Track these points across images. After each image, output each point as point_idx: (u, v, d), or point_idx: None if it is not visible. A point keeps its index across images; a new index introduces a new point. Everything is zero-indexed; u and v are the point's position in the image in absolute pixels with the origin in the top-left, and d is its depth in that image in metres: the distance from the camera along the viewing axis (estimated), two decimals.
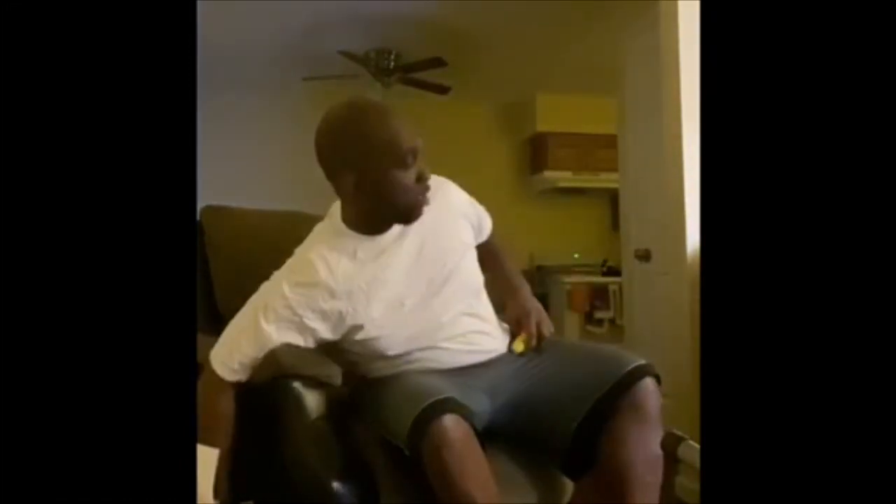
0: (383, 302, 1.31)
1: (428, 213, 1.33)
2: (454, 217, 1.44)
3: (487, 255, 1.53)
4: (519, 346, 1.38)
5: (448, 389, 1.20)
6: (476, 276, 1.45)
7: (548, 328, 1.39)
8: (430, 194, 1.31)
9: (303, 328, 1.29)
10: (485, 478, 1.14)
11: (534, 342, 1.38)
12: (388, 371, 1.36)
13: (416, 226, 1.34)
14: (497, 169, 5.42)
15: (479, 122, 5.37)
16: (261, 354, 1.27)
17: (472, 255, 1.46)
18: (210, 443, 1.20)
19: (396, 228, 1.34)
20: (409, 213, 1.30)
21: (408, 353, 1.35)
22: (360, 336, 1.32)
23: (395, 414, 1.21)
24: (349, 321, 1.30)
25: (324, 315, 1.29)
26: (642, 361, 1.28)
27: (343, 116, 1.28)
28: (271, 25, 3.98)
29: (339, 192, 1.32)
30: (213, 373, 1.28)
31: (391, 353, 1.33)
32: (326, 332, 1.31)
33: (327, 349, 1.36)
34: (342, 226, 1.35)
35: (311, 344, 1.31)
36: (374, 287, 1.31)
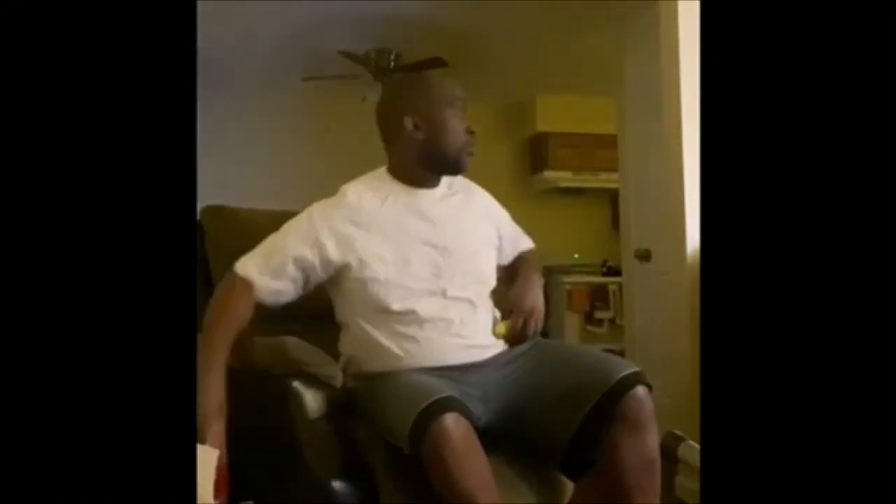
0: (393, 248, 1.36)
1: (460, 199, 1.47)
2: (481, 214, 1.52)
3: (518, 261, 1.59)
4: (500, 330, 1.40)
5: (447, 388, 1.20)
6: (488, 273, 1.48)
7: (534, 326, 1.41)
8: (464, 187, 1.50)
9: (314, 242, 1.36)
10: (485, 476, 1.14)
11: (514, 335, 1.39)
12: (384, 364, 1.36)
13: (447, 203, 1.45)
14: (497, 169, 5.41)
15: (479, 122, 5.30)
16: (272, 260, 1.35)
17: (491, 255, 1.51)
18: (209, 340, 1.22)
19: (433, 195, 1.45)
20: (456, 158, 1.42)
21: (402, 321, 1.35)
22: (363, 272, 1.35)
23: (394, 413, 1.21)
24: (358, 249, 1.36)
25: (338, 236, 1.36)
26: (632, 369, 1.27)
27: (406, 77, 1.64)
28: (271, 25, 3.98)
29: (398, 138, 1.44)
30: (232, 277, 1.36)
31: (393, 305, 1.34)
32: (334, 253, 1.36)
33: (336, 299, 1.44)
34: (385, 174, 1.47)
35: (316, 261, 1.35)
36: (391, 230, 1.38)
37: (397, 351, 1.35)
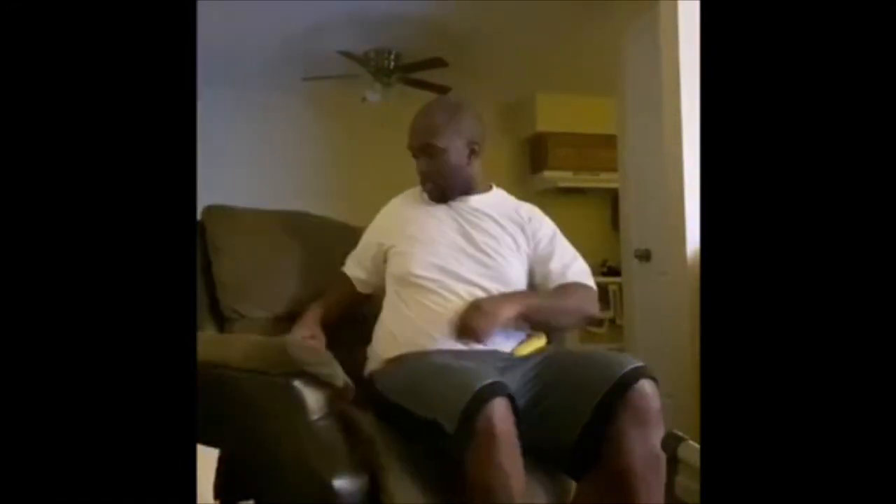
0: (424, 229, 1.57)
1: (499, 209, 1.60)
2: (517, 226, 1.60)
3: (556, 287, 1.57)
4: (522, 350, 1.47)
5: (494, 374, 1.24)
6: (510, 276, 1.52)
7: (468, 326, 1.40)
8: (510, 202, 1.65)
9: (376, 228, 1.69)
10: (520, 466, 1.18)
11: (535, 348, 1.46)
12: (403, 332, 1.46)
13: (486, 209, 1.60)
14: (497, 169, 5.40)
15: None
16: (354, 254, 1.71)
17: (517, 263, 1.56)
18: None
19: (476, 200, 1.62)
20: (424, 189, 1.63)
21: (420, 288, 1.49)
22: (397, 248, 1.58)
23: (441, 393, 1.22)
24: (397, 230, 1.60)
25: (389, 222, 1.67)
26: (637, 364, 1.28)
27: None
28: (271, 25, 3.98)
29: None
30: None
31: (413, 270, 1.51)
32: (385, 237, 1.63)
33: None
34: None
35: (376, 245, 1.64)
36: (427, 217, 1.59)
37: (415, 318, 1.46)
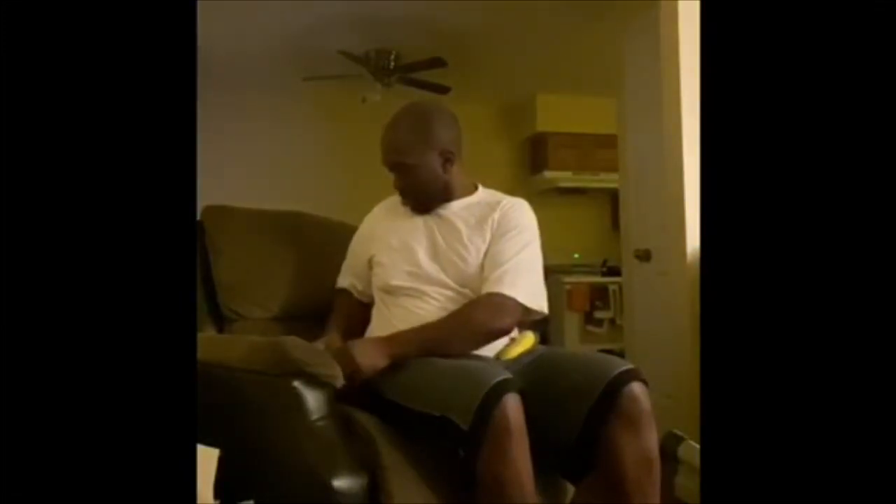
0: (401, 238, 1.57)
1: (478, 211, 1.57)
2: (485, 226, 1.55)
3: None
4: (509, 353, 1.46)
5: (504, 372, 1.25)
6: (476, 276, 1.50)
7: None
8: (496, 202, 1.58)
9: (360, 238, 1.71)
10: (530, 461, 1.19)
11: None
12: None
13: (465, 211, 1.58)
14: (497, 169, 5.42)
15: (479, 122, 5.37)
16: (344, 264, 1.73)
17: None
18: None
19: (457, 203, 1.59)
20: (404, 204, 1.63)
21: (403, 291, 1.51)
22: (377, 258, 1.59)
23: (454, 390, 1.23)
24: (378, 240, 1.61)
25: (371, 230, 1.67)
26: (626, 366, 1.29)
27: None
28: (271, 25, 3.98)
29: None
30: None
31: (392, 282, 1.53)
32: (369, 245, 1.63)
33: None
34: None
35: (362, 253, 1.65)
36: (404, 225, 1.59)
37: (397, 323, 1.47)
